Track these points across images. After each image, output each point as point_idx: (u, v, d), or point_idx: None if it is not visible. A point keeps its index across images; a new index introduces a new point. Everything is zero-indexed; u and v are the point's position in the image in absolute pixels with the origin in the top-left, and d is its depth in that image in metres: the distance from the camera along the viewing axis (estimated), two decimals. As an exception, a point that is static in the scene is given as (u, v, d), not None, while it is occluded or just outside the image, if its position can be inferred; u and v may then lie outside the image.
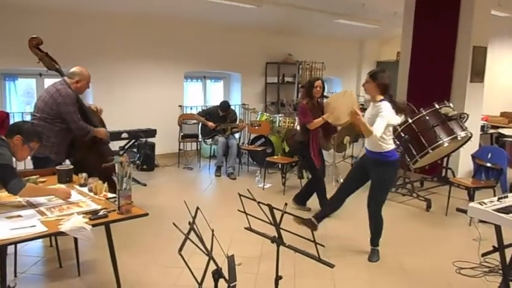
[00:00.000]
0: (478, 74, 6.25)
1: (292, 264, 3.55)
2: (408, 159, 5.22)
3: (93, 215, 2.52)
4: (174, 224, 2.14)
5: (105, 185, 3.03)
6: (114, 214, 2.59)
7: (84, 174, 3.24)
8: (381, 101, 3.56)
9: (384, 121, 3.45)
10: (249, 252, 3.79)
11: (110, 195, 2.91)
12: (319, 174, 4.89)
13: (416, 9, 6.54)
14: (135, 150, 6.87)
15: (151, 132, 6.72)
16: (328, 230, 4.38)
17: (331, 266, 1.98)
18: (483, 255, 2.69)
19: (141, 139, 6.69)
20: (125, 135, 6.38)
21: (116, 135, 6.04)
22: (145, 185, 6.02)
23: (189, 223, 2.02)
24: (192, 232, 2.02)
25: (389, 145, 3.62)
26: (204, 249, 1.96)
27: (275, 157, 6.41)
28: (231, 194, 2.93)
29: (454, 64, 6.19)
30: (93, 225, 2.42)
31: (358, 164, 4.08)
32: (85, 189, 3.08)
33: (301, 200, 5.08)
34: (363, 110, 4.29)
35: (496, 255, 2.87)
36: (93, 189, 3.00)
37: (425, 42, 6.46)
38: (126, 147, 6.61)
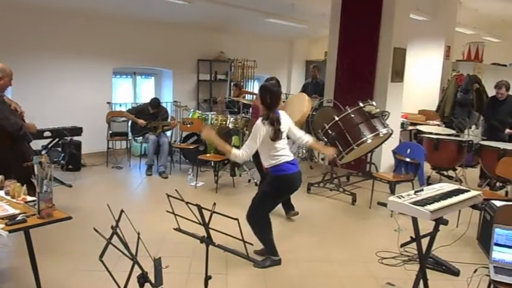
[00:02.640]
0: (398, 74, 6.65)
1: (225, 262, 3.57)
2: (335, 155, 5.43)
3: (10, 220, 2.37)
4: (94, 229, 2.07)
5: (24, 187, 2.86)
6: (34, 219, 2.46)
7: (1, 176, 3.04)
8: (261, 116, 3.53)
9: (251, 141, 3.44)
10: (181, 252, 3.77)
11: (29, 198, 2.76)
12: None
13: (342, 11, 6.81)
14: (59, 149, 6.53)
15: (77, 131, 6.41)
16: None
17: (258, 262, 2.02)
18: (402, 245, 2.87)
19: (66, 138, 6.37)
20: (47, 133, 6.03)
21: (37, 134, 5.66)
22: (70, 186, 5.74)
23: (112, 227, 1.96)
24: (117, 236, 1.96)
25: (274, 160, 3.52)
26: (127, 254, 1.91)
27: (207, 155, 6.39)
28: (163, 194, 2.87)
29: (376, 65, 6.54)
30: (10, 231, 2.28)
31: None
32: (1, 193, 2.89)
33: (286, 207, 4.88)
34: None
35: (415, 245, 3.08)
36: (11, 192, 2.83)
37: (350, 43, 6.75)
38: (49, 146, 6.27)
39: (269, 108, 3.52)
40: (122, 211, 2.00)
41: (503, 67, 10.09)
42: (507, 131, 6.18)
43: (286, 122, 3.64)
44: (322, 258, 3.85)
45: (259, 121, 3.46)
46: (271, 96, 3.52)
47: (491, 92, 6.52)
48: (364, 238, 4.42)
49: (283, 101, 4.96)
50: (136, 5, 7.12)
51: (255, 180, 6.06)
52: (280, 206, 4.73)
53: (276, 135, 3.44)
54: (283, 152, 3.54)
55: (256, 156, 4.67)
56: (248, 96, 7.80)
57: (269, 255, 3.65)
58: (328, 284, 3.41)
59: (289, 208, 4.84)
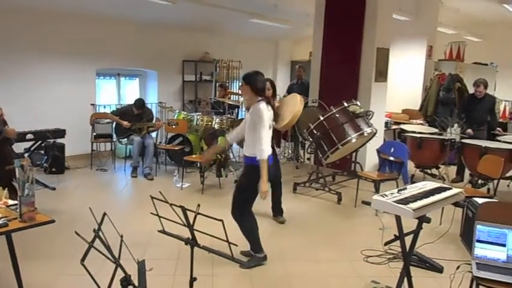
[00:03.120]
0: (381, 74, 6.71)
1: (211, 264, 3.56)
2: (320, 155, 5.47)
3: (-9, 224, 2.33)
4: (76, 232, 2.05)
5: (5, 191, 2.82)
6: (16, 222, 2.43)
7: (-19, 181, 2.99)
8: (258, 101, 3.47)
9: (265, 127, 3.39)
10: (167, 254, 3.75)
11: (11, 202, 2.72)
12: None
13: (325, 12, 6.85)
14: (42, 152, 6.43)
15: (60, 133, 6.32)
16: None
17: (243, 264, 2.02)
18: (386, 243, 2.89)
19: (49, 140, 6.29)
20: (30, 136, 5.93)
21: (20, 137, 5.59)
22: (54, 189, 5.67)
23: (94, 230, 1.94)
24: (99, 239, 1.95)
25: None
26: (110, 257, 1.90)
27: (193, 156, 6.37)
28: (148, 196, 2.84)
29: (360, 64, 6.59)
30: (-9, 236, 2.25)
31: None
32: (-18, 197, 2.84)
33: (276, 210, 4.83)
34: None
35: (399, 242, 3.11)
36: (-9, 196, 2.78)
37: (334, 43, 6.80)
38: (32, 149, 6.17)
39: (263, 93, 3.52)
40: (105, 214, 1.98)
41: (484, 66, 10.25)
42: (468, 131, 6.34)
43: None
44: (308, 258, 3.87)
45: (262, 105, 3.42)
46: (260, 80, 3.52)
47: (472, 90, 6.63)
48: (350, 237, 4.46)
49: (278, 101, 4.90)
50: (119, 6, 7.07)
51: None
52: (269, 207, 4.76)
53: (276, 120, 3.43)
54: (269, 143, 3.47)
55: None
56: (234, 97, 7.80)
57: (254, 253, 3.62)
58: (314, 283, 3.43)
59: (278, 212, 4.80)
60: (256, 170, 3.42)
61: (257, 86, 3.49)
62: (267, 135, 3.39)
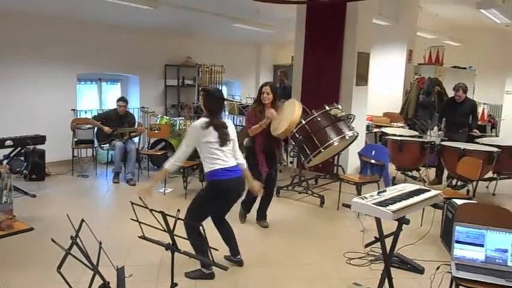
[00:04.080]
0: (362, 77, 6.79)
1: (193, 269, 3.54)
2: (303, 159, 5.49)
3: (-34, 233, 2.29)
4: (52, 240, 2.02)
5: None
6: (-7, 231, 2.38)
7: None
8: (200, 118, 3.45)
9: (183, 143, 3.39)
10: (149, 260, 3.72)
11: (-12, 210, 2.66)
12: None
13: (307, 17, 6.90)
14: (22, 158, 6.33)
15: (40, 139, 6.22)
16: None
17: (225, 268, 2.02)
18: (366, 245, 2.91)
19: (29, 146, 6.18)
20: (9, 142, 5.82)
21: (-2, 143, 5.51)
22: (34, 196, 5.57)
23: (71, 237, 1.92)
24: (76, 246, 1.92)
25: (211, 165, 3.38)
26: (88, 264, 1.87)
27: (176, 161, 6.32)
28: (132, 201, 2.84)
29: (341, 69, 6.65)
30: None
31: None
32: (-43, 206, 2.78)
33: (260, 214, 4.79)
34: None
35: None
36: (-32, 204, 2.72)
37: (316, 48, 6.85)
38: (11, 155, 6.06)
39: (212, 113, 3.42)
40: (83, 220, 1.96)
41: (462, 70, 10.45)
42: (439, 132, 6.48)
43: (233, 131, 3.53)
44: (291, 261, 3.88)
45: (197, 123, 3.36)
46: (213, 100, 3.45)
47: (451, 94, 6.76)
48: (332, 239, 4.48)
49: (279, 107, 4.76)
50: (100, 10, 7.00)
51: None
52: (253, 210, 4.76)
53: (222, 140, 3.35)
54: (222, 158, 3.39)
55: (248, 154, 4.58)
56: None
57: (201, 267, 3.48)
58: (298, 286, 3.44)
59: (261, 216, 4.78)
60: (208, 185, 3.46)
61: (207, 105, 3.44)
62: (182, 149, 3.38)
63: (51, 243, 3.92)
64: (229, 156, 3.44)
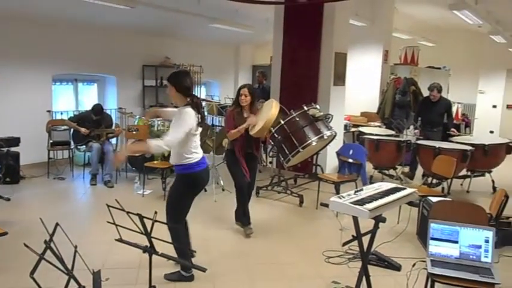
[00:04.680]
0: (340, 78, 6.86)
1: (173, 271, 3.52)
2: (282, 159, 5.51)
3: None
4: (25, 244, 1.98)
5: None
6: (-36, 236, 2.31)
7: None
8: (184, 105, 3.25)
9: (181, 129, 3.14)
10: (128, 263, 3.68)
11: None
12: (239, 183, 4.47)
13: (285, 17, 6.94)
14: (-5, 161, 6.18)
15: (14, 141, 6.11)
16: (203, 236, 4.44)
17: (203, 270, 2.02)
18: (344, 244, 2.95)
19: (2, 149, 6.05)
20: (-19, 145, 5.70)
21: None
22: (8, 199, 5.44)
23: (45, 242, 1.89)
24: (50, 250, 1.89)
25: (190, 156, 3.29)
26: (63, 269, 1.84)
27: (155, 162, 6.27)
28: (108, 204, 2.79)
29: (319, 69, 6.71)
30: None
31: None
32: None
33: (243, 219, 4.60)
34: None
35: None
36: None
37: (294, 48, 6.89)
38: (-17, 158, 5.92)
39: (190, 90, 3.28)
40: (57, 224, 1.93)
41: (437, 70, 10.67)
42: (415, 131, 6.61)
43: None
44: (271, 261, 3.90)
45: (189, 109, 3.19)
46: (189, 78, 3.30)
47: (427, 93, 6.89)
48: (312, 238, 4.52)
49: (258, 108, 4.69)
50: (76, 9, 6.88)
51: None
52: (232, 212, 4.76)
53: (202, 121, 3.25)
54: (198, 146, 3.32)
55: (228, 156, 4.55)
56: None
57: (180, 270, 3.39)
58: (277, 286, 3.45)
59: (245, 221, 4.60)
60: (185, 178, 3.35)
61: (182, 85, 3.25)
62: (178, 136, 3.14)
63: (25, 248, 3.86)
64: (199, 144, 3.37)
